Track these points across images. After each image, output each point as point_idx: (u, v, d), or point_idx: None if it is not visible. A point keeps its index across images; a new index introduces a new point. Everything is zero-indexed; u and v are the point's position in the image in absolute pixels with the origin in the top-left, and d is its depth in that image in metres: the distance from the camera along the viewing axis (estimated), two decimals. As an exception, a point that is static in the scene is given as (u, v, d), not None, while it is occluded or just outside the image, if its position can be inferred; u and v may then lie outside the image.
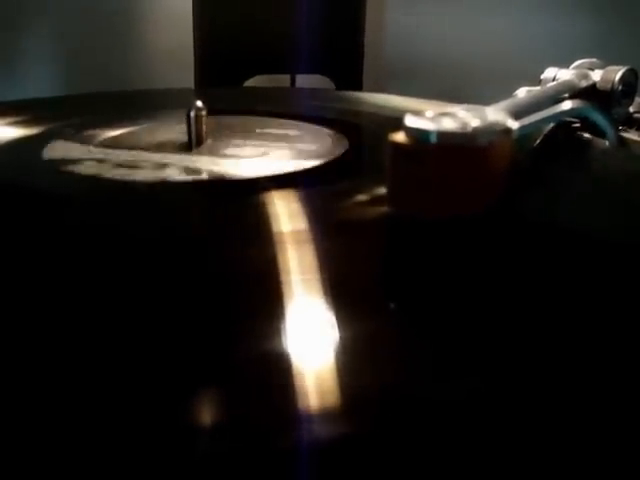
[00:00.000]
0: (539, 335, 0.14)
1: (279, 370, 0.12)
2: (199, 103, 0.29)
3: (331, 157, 0.27)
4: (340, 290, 0.15)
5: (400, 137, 0.18)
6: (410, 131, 0.18)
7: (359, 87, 0.62)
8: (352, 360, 0.13)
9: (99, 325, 0.14)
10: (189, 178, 0.24)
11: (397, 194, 0.19)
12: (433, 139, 0.18)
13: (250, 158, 0.27)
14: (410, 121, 0.18)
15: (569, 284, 0.16)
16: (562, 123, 0.31)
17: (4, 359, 0.13)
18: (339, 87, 0.60)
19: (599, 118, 0.21)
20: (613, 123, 0.22)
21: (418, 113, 0.19)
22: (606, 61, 0.36)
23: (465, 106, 0.20)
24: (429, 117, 0.19)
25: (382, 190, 0.20)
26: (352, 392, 0.12)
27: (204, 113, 0.29)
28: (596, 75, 0.34)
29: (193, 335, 0.14)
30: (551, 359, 0.13)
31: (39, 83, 0.73)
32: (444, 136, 0.18)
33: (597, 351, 0.13)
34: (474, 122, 0.18)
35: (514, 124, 0.19)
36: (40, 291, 0.16)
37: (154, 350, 0.13)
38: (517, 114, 0.22)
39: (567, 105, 0.20)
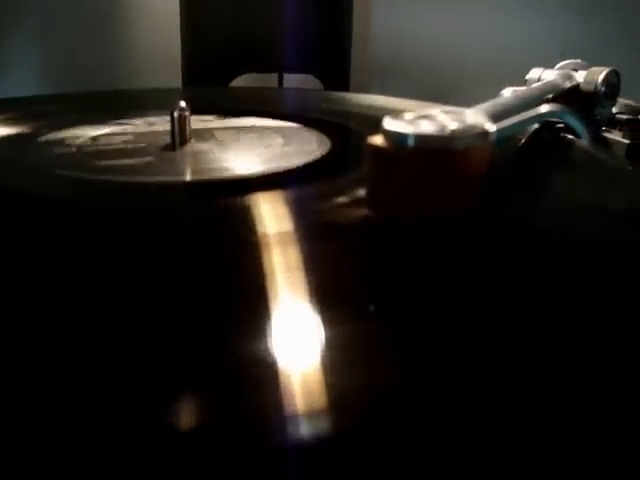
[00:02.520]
0: (520, 335, 0.14)
1: (263, 370, 0.12)
2: (182, 103, 0.29)
3: (313, 158, 0.27)
4: (319, 291, 0.15)
5: (378, 140, 0.18)
6: (388, 134, 0.18)
7: (346, 87, 0.62)
8: (336, 360, 0.13)
9: (84, 325, 0.14)
10: (170, 179, 0.24)
11: (375, 196, 0.19)
12: (410, 142, 0.18)
13: (233, 159, 0.27)
14: (388, 124, 0.18)
15: (548, 285, 0.16)
16: (546, 124, 0.31)
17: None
18: (327, 87, 0.60)
19: (574, 121, 0.21)
20: (588, 126, 0.22)
21: (397, 116, 0.19)
22: (591, 62, 0.36)
23: (445, 108, 0.20)
24: (407, 120, 0.19)
25: (362, 191, 0.20)
26: (336, 392, 0.12)
27: (188, 113, 0.29)
28: (580, 76, 0.34)
29: (177, 336, 0.14)
30: (531, 358, 0.13)
31: (25, 83, 0.72)
32: (421, 139, 0.18)
33: (576, 351, 0.13)
34: (452, 125, 0.18)
35: (492, 127, 0.19)
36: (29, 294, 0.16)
37: (140, 351, 0.13)
38: (499, 115, 0.22)
39: (543, 109, 0.20)
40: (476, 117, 0.19)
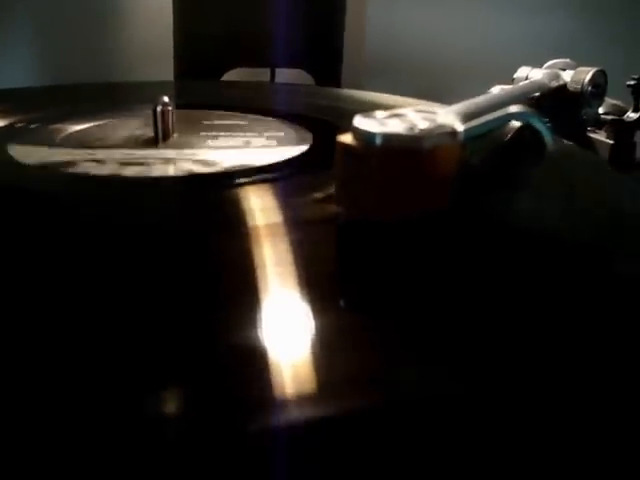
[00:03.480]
0: (498, 330, 0.14)
1: (247, 360, 0.13)
2: (165, 98, 0.29)
3: (294, 153, 0.27)
4: (302, 283, 0.16)
5: (348, 138, 0.19)
6: (357, 132, 0.18)
7: (338, 83, 0.62)
8: (316, 351, 0.13)
9: (70, 316, 0.14)
10: (150, 174, 0.24)
11: (344, 195, 0.19)
12: (378, 141, 0.18)
13: (214, 153, 0.27)
14: (358, 122, 0.18)
15: (526, 283, 0.16)
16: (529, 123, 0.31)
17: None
18: (318, 82, 0.60)
19: (539, 124, 0.21)
20: (551, 130, 0.22)
21: (368, 114, 0.19)
22: (580, 62, 0.36)
23: (418, 107, 0.20)
24: (378, 118, 0.19)
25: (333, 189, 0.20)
26: (318, 382, 0.12)
27: (170, 108, 0.29)
28: (567, 75, 0.34)
29: (157, 327, 0.14)
30: (508, 352, 0.13)
31: (19, 76, 0.72)
32: (389, 138, 0.18)
33: (559, 350, 0.14)
34: (421, 124, 0.18)
35: (461, 126, 0.19)
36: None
37: (129, 341, 0.13)
38: (476, 114, 0.22)
39: (509, 110, 0.20)
40: (447, 116, 0.19)
